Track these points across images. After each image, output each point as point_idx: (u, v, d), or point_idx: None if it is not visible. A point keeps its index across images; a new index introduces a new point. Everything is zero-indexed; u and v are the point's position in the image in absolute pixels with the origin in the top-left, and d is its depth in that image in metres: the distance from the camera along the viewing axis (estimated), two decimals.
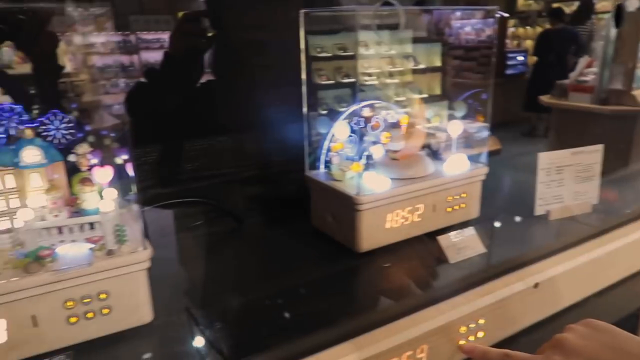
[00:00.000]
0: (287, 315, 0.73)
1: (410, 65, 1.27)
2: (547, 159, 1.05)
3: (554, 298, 0.88)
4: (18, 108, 0.69)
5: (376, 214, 0.90)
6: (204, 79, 1.08)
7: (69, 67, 0.91)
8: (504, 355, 0.64)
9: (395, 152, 0.98)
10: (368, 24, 1.10)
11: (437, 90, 1.27)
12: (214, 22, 1.06)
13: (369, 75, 1.14)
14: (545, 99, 1.60)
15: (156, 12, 1.26)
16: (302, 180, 1.01)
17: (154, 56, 1.39)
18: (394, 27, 1.16)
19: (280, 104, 1.07)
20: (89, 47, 0.84)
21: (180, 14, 1.07)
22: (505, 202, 1.23)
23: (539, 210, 1.07)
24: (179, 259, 0.92)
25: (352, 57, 1.13)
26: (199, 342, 0.67)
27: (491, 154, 1.08)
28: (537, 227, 1.05)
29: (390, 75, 1.22)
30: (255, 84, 1.07)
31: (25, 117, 0.69)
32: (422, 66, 1.29)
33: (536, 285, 0.83)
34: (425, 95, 1.20)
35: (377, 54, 1.18)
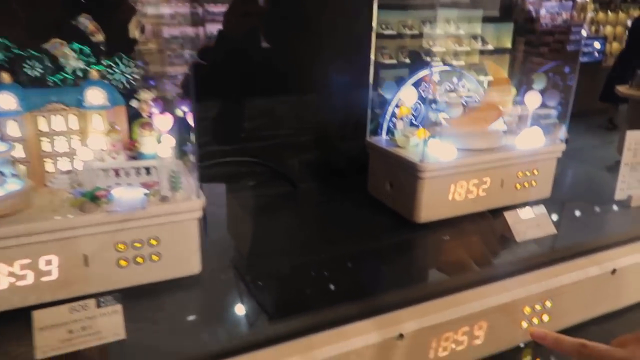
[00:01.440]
0: (334, 281, 0.69)
1: (478, 45, 1.19)
2: (635, 138, 0.95)
3: (632, 287, 0.80)
4: (86, 50, 0.69)
5: (439, 184, 0.85)
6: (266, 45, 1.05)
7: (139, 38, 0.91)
8: (580, 345, 0.57)
9: (453, 118, 0.91)
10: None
11: (504, 74, 1.19)
12: None
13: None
14: (622, 89, 1.47)
15: None
16: (361, 147, 0.97)
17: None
18: (463, 5, 1.10)
19: (344, 71, 1.03)
20: (158, 17, 0.84)
21: None
22: (578, 188, 1.13)
23: (619, 195, 0.98)
24: (230, 216, 0.91)
25: (417, 37, 1.08)
26: (243, 298, 0.65)
27: None
28: (616, 212, 0.96)
29: (456, 55, 1.15)
30: (321, 48, 1.03)
31: (93, 59, 0.69)
32: (490, 47, 1.21)
33: (614, 272, 0.75)
34: (490, 78, 1.12)
35: (443, 33, 1.11)
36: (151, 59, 0.84)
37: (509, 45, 1.22)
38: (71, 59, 0.68)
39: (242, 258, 0.76)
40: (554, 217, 0.86)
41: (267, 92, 1.02)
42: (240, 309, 0.63)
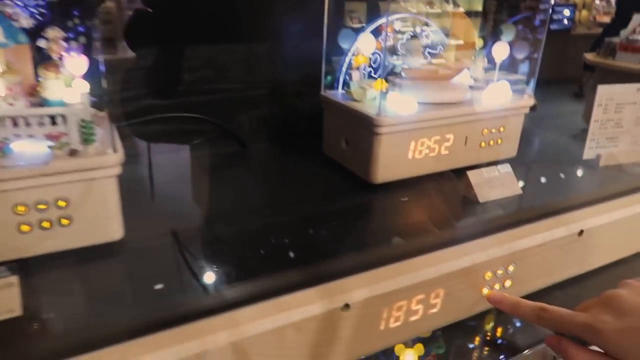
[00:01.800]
0: (278, 248, 0.62)
1: (449, 7, 1.11)
2: (606, 94, 0.89)
3: (599, 250, 0.75)
4: None
5: (398, 141, 0.77)
6: None
7: None
8: (540, 309, 0.52)
9: (412, 70, 0.84)
10: None
11: (474, 38, 1.11)
12: None
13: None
14: (590, 56, 1.41)
15: None
16: (316, 104, 0.88)
17: None
18: None
19: (301, 17, 0.93)
20: None
21: None
22: (544, 151, 1.07)
23: (588, 154, 0.92)
24: (171, 178, 0.82)
25: None
26: (173, 266, 0.57)
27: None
28: (584, 172, 0.91)
29: (427, 16, 1.07)
30: None
31: None
32: (461, 9, 1.13)
33: (581, 233, 0.70)
34: (460, 42, 1.04)
35: None
36: None
37: (479, 8, 1.14)
38: None
39: (180, 223, 0.68)
40: (520, 177, 0.80)
41: (213, 40, 0.92)
42: (166, 279, 0.55)
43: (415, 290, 0.57)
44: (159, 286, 0.53)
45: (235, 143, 0.94)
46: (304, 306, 0.50)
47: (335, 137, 0.86)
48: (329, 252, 0.60)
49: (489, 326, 0.67)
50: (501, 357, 0.60)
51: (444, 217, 0.71)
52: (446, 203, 0.76)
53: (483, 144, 0.87)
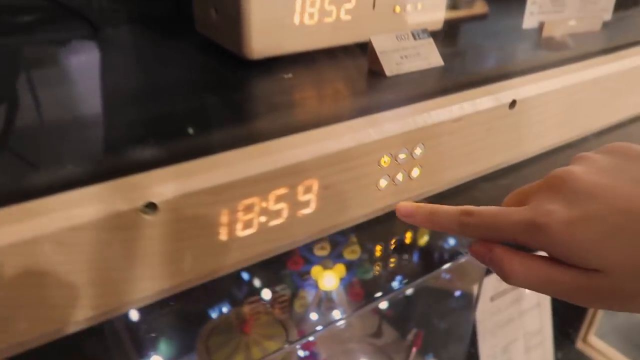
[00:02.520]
0: (129, 134, 0.43)
1: None
2: None
3: (537, 130, 0.59)
4: None
5: (278, 3, 0.57)
6: None
7: None
8: (462, 213, 0.36)
9: None
10: None
11: None
12: None
13: None
14: None
15: None
16: None
17: None
18: None
19: None
20: None
21: None
22: (474, 25, 0.89)
23: (529, 22, 0.75)
24: None
25: None
26: None
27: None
28: (523, 41, 0.74)
29: None
30: None
31: None
32: None
33: (513, 105, 0.53)
34: None
35: None
36: None
37: None
38: None
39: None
40: (443, 49, 0.62)
41: None
42: None
43: (271, 182, 0.39)
44: None
45: (83, 26, 0.72)
46: (73, 209, 0.32)
47: (204, 6, 0.65)
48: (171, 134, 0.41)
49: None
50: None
51: (332, 94, 0.53)
52: (342, 79, 0.58)
53: (398, 9, 0.67)
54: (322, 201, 0.43)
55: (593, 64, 0.64)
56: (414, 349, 0.88)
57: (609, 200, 0.28)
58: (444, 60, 0.60)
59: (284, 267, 0.53)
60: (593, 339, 1.35)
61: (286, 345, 0.53)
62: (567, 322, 1.31)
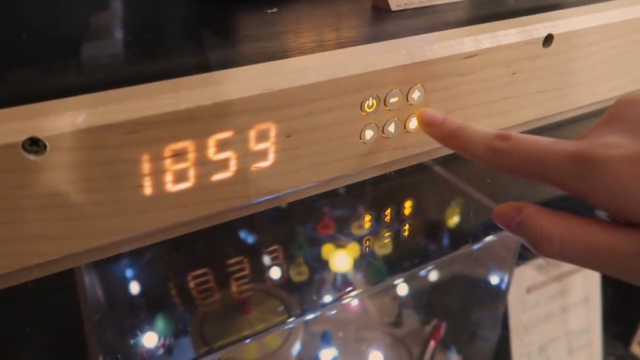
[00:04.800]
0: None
1: None
2: None
3: (581, 77, 0.47)
4: None
5: None
6: None
7: None
8: (498, 136, 0.30)
9: None
10: None
11: None
12: None
13: None
14: None
15: None
16: None
17: None
18: None
19: None
20: None
21: None
22: None
23: None
24: None
25: None
26: None
27: None
28: None
29: None
30: None
31: None
32: None
33: (548, 41, 0.42)
34: None
35: None
36: None
37: None
38: None
39: None
40: None
41: None
42: None
43: (210, 122, 0.31)
44: None
45: None
46: None
47: None
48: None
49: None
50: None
51: (315, 29, 0.43)
52: (334, 15, 0.48)
53: None
54: (283, 153, 0.34)
55: None
56: (432, 342, 0.77)
57: None
58: None
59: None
60: None
61: (293, 319, 0.44)
62: (620, 320, 1.16)
